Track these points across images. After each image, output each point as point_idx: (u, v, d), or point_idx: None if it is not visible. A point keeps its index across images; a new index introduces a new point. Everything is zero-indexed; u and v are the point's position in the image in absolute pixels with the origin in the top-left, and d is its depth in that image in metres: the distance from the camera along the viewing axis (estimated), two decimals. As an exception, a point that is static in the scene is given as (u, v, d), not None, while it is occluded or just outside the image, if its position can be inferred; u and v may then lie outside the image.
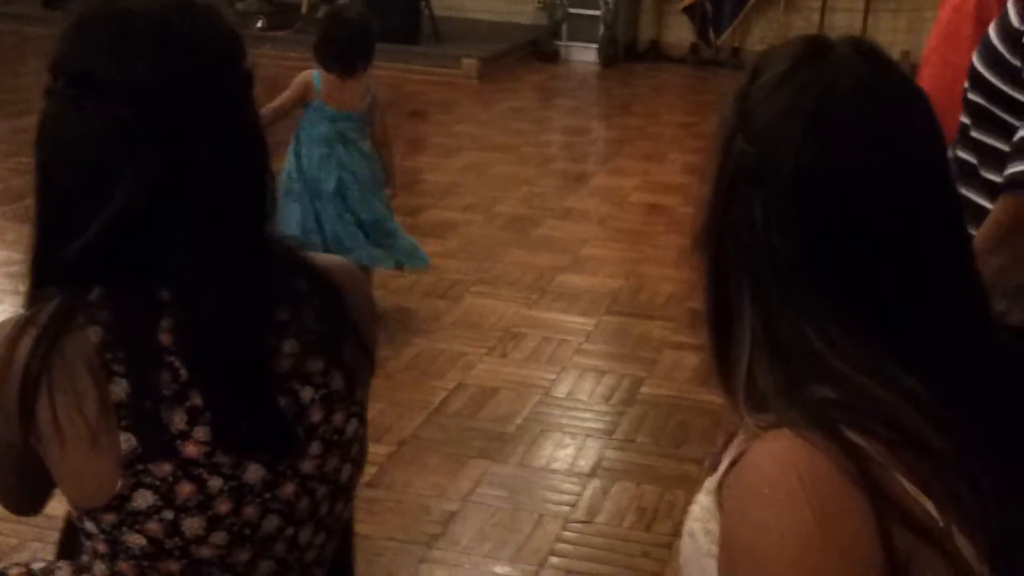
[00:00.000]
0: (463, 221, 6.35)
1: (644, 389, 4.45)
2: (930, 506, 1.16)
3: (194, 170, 1.44)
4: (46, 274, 1.49)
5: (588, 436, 4.10)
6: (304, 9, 10.72)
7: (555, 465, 3.91)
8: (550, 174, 7.44)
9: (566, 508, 3.65)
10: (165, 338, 1.44)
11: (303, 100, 4.80)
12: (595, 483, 3.81)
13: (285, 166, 4.82)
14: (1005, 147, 2.01)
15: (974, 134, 2.09)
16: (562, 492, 3.75)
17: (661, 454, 3.99)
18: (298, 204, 4.78)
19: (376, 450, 3.88)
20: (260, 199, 1.54)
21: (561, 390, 4.44)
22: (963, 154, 2.12)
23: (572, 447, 4.03)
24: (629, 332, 4.99)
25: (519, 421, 4.18)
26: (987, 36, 2.10)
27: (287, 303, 1.53)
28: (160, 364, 1.43)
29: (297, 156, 4.85)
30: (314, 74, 4.78)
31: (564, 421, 4.21)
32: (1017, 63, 2.01)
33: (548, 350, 4.78)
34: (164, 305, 1.44)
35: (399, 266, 5.00)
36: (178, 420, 1.43)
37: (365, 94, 4.83)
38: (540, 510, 3.63)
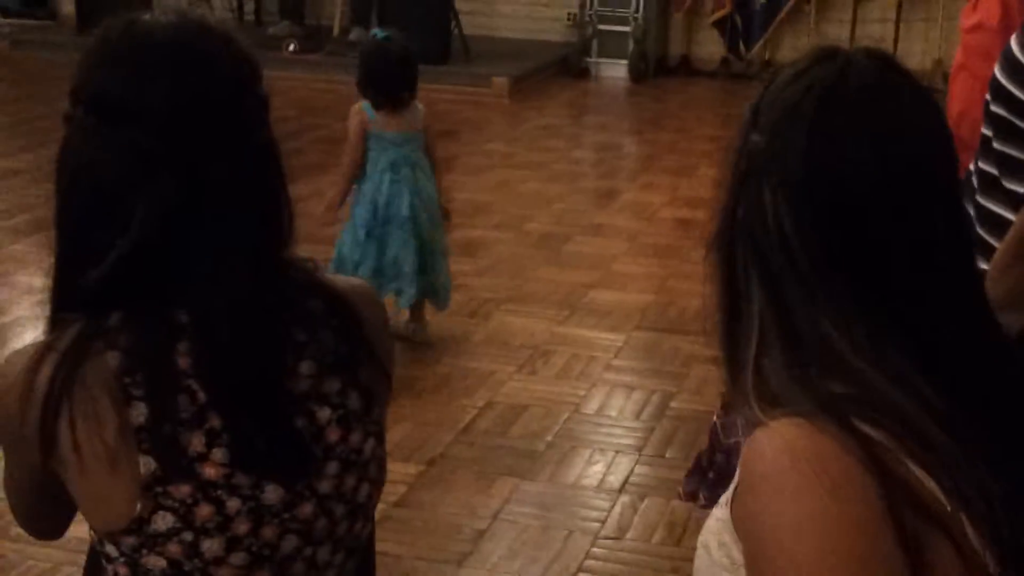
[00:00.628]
0: (493, 239, 6.37)
1: (674, 404, 4.45)
2: (938, 492, 1.17)
3: (210, 194, 1.47)
4: (66, 300, 1.51)
5: (618, 452, 4.11)
6: (335, 32, 10.78)
7: (585, 482, 3.92)
8: (580, 191, 7.46)
9: (596, 524, 3.66)
10: (183, 361, 1.45)
11: (365, 133, 4.76)
12: (624, 499, 3.81)
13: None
14: None
15: (996, 146, 2.09)
16: (592, 508, 3.75)
17: (691, 470, 3.98)
18: (351, 235, 4.78)
19: (405, 470, 3.90)
20: (277, 221, 1.56)
21: (591, 406, 4.45)
22: (985, 166, 2.12)
23: (602, 463, 4.03)
24: (659, 347, 5.00)
25: (549, 438, 4.19)
26: (1009, 48, 2.10)
27: (304, 324, 1.55)
28: (178, 388, 1.45)
29: (360, 186, 4.83)
30: (363, 104, 4.76)
31: (594, 437, 4.22)
32: None
33: (578, 367, 4.79)
34: (182, 328, 1.46)
35: (421, 298, 4.94)
36: (196, 443, 1.45)
37: (419, 114, 4.84)
38: (570, 527, 3.64)
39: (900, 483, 1.16)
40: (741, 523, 1.23)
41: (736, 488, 1.25)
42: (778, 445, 1.19)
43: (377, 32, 4.90)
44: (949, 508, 1.17)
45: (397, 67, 4.70)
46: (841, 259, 1.24)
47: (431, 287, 4.88)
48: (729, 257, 1.32)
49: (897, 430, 1.19)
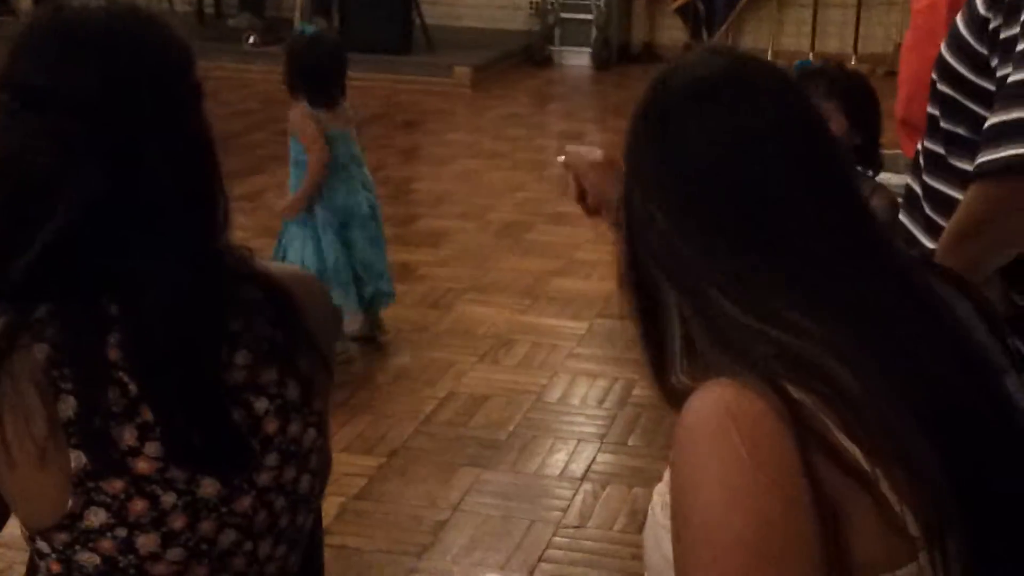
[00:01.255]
0: (456, 229, 6.35)
1: (636, 392, 4.44)
2: (859, 454, 1.19)
3: (139, 183, 1.43)
4: None
5: (580, 440, 4.09)
6: (296, 23, 10.72)
7: (547, 471, 3.90)
8: (543, 179, 7.43)
9: (557, 513, 3.64)
10: (113, 353, 1.42)
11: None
12: (587, 487, 3.80)
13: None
14: (973, 136, 1.99)
15: (944, 125, 2.07)
16: (554, 497, 3.74)
17: (653, 456, 3.97)
18: (299, 241, 4.64)
19: (366, 462, 3.88)
20: (209, 211, 1.53)
21: (553, 395, 4.43)
22: (931, 145, 2.11)
23: (564, 452, 4.02)
24: (621, 335, 4.96)
25: (511, 428, 4.17)
26: (955, 25, 2.09)
27: (239, 313, 1.51)
28: (108, 380, 1.41)
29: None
30: (304, 105, 4.59)
31: (556, 426, 4.20)
32: (983, 51, 1.99)
33: (540, 355, 4.77)
34: (112, 320, 1.43)
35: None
36: (128, 436, 1.42)
37: (349, 111, 4.73)
38: (532, 516, 3.62)
39: (821, 438, 1.19)
40: (670, 476, 1.25)
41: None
42: (707, 401, 1.22)
43: (304, 27, 4.77)
44: (869, 470, 1.19)
45: (332, 62, 4.57)
46: (716, 225, 1.31)
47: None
48: (633, 261, 1.38)
49: (821, 389, 1.21)
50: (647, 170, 1.37)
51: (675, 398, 1.31)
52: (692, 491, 1.21)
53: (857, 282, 1.31)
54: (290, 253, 4.61)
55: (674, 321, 1.32)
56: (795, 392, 1.21)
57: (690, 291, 1.31)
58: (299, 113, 4.59)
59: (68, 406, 1.39)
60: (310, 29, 4.72)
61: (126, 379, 1.42)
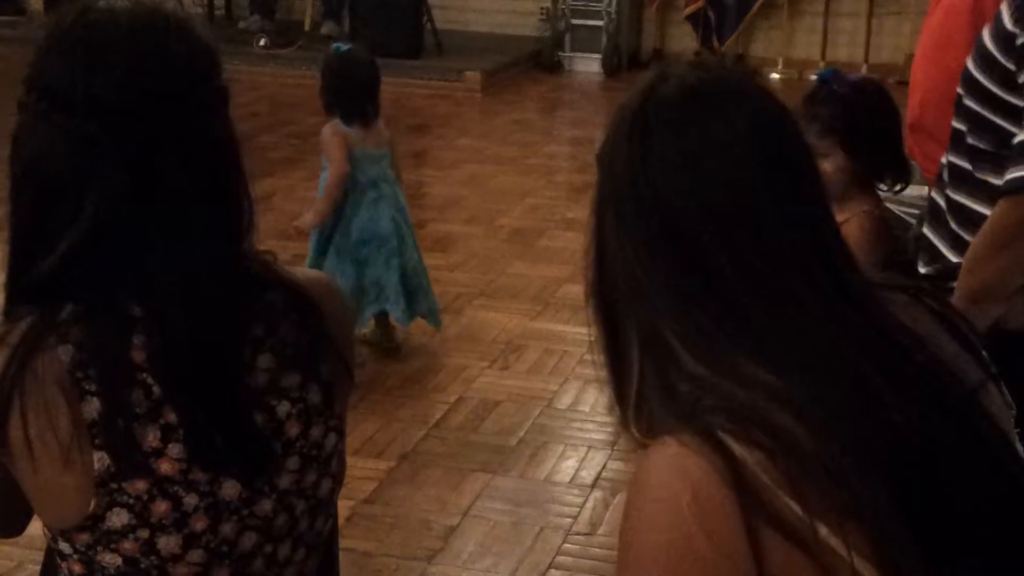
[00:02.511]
0: (465, 234, 6.35)
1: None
2: (796, 507, 1.18)
3: (164, 185, 1.44)
4: (20, 293, 1.48)
5: (591, 447, 4.09)
6: (306, 26, 10.73)
7: (557, 477, 3.90)
8: (553, 185, 7.43)
9: (568, 520, 3.63)
10: (137, 355, 1.42)
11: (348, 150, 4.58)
12: (597, 494, 3.79)
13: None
14: (1000, 150, 1.99)
15: (970, 140, 2.06)
16: (564, 504, 3.73)
17: (664, 464, 3.96)
18: (347, 259, 4.61)
19: (376, 465, 3.88)
20: (234, 214, 1.53)
21: (563, 402, 4.43)
22: (956, 159, 2.10)
23: (574, 459, 4.01)
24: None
25: (521, 434, 4.17)
26: (980, 39, 2.08)
27: (262, 318, 1.52)
28: (132, 382, 1.42)
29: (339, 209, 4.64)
30: (337, 122, 4.57)
31: (566, 433, 4.20)
32: (1011, 66, 1.98)
33: (551, 362, 4.76)
34: (136, 322, 1.43)
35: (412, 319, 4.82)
36: (152, 438, 1.42)
37: (384, 129, 4.71)
38: (542, 523, 3.62)
39: (765, 509, 1.18)
40: (619, 541, 1.26)
41: None
42: (658, 464, 1.22)
43: (339, 46, 4.75)
44: (807, 521, 1.18)
45: (366, 80, 4.57)
46: (674, 264, 1.30)
47: (427, 309, 4.77)
48: (600, 290, 1.38)
49: (767, 444, 1.20)
50: (620, 200, 1.34)
51: (635, 439, 1.32)
52: (636, 550, 1.22)
53: (817, 326, 1.29)
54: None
55: (633, 363, 1.32)
56: (739, 448, 1.20)
57: (648, 332, 1.31)
58: (328, 130, 4.58)
59: (92, 407, 1.40)
60: (343, 47, 4.70)
61: (150, 381, 1.42)
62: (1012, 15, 1.99)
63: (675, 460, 1.21)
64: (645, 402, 1.31)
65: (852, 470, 1.21)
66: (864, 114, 2.93)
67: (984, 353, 1.47)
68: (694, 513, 1.18)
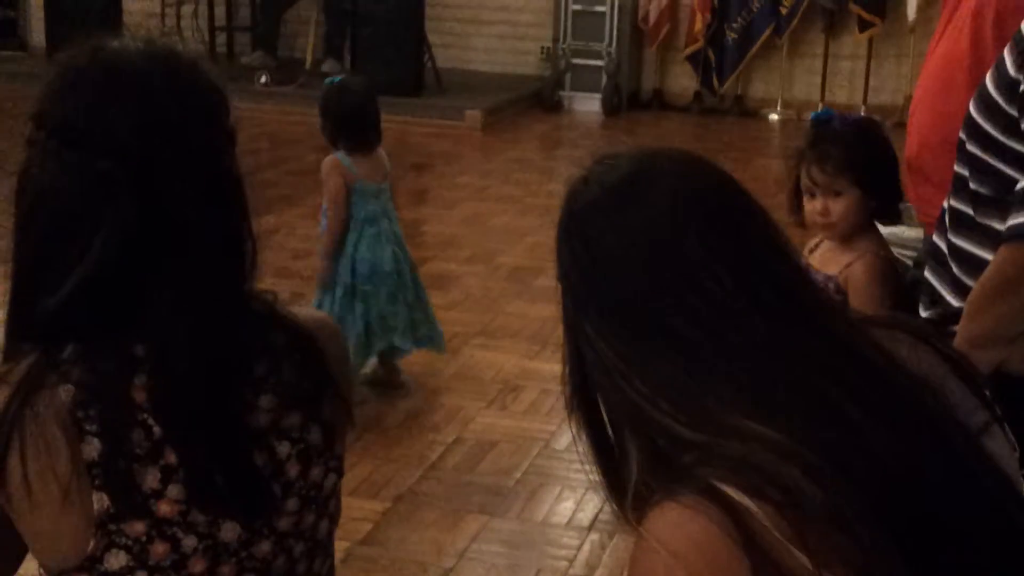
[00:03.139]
0: (464, 273, 6.35)
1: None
2: (806, 560, 1.19)
3: (171, 225, 1.44)
4: (22, 330, 1.47)
5: (588, 489, 4.07)
6: (307, 64, 10.77)
7: (554, 519, 3.88)
8: (552, 224, 7.35)
9: (564, 563, 3.62)
10: (139, 395, 1.42)
11: (348, 187, 4.58)
12: (594, 537, 3.78)
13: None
14: (1002, 196, 1.99)
15: (972, 185, 2.07)
16: (561, 547, 3.72)
17: (661, 506, 3.95)
18: (328, 296, 4.61)
19: (372, 506, 3.86)
20: (238, 255, 1.53)
21: (561, 442, 4.41)
22: (958, 204, 2.10)
23: (571, 500, 4.00)
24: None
25: (518, 475, 4.15)
26: (983, 86, 2.09)
27: (264, 358, 1.51)
28: (133, 422, 1.41)
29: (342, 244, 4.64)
30: (340, 155, 4.57)
31: (564, 474, 4.18)
32: (1014, 113, 1.99)
33: (548, 402, 4.75)
34: (138, 361, 1.43)
35: (418, 347, 4.83)
36: (151, 479, 1.41)
37: (386, 162, 4.71)
38: (538, 565, 3.60)
39: (770, 559, 1.20)
40: None
41: None
42: (662, 527, 1.23)
43: (332, 79, 4.77)
44: (812, 571, 1.19)
45: (362, 107, 4.58)
46: (649, 353, 1.33)
47: (426, 335, 4.77)
48: (577, 377, 1.43)
49: (775, 497, 1.21)
50: (584, 306, 1.41)
51: (631, 515, 1.32)
52: None
53: (803, 374, 1.31)
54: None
55: (630, 453, 1.34)
56: (747, 501, 1.21)
57: (636, 417, 1.34)
58: (328, 164, 4.57)
59: (92, 448, 1.39)
60: (337, 78, 4.72)
61: (151, 421, 1.42)
62: (1015, 61, 1.99)
63: (680, 522, 1.22)
64: (644, 487, 1.32)
65: (858, 521, 1.21)
66: (874, 150, 2.97)
67: (989, 395, 1.48)
68: (698, 572, 1.19)
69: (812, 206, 2.98)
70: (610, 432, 1.40)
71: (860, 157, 2.93)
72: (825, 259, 3.03)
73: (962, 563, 1.27)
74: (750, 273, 1.36)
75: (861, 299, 2.87)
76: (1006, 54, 2.04)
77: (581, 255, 1.42)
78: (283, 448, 1.50)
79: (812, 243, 3.11)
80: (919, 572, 1.23)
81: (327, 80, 4.76)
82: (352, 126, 4.55)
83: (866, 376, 1.34)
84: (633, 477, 1.34)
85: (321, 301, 4.60)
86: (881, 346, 1.40)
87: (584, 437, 1.44)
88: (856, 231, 2.97)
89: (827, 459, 1.24)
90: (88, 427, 1.39)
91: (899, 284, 2.91)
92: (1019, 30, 2.01)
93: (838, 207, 2.95)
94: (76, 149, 1.43)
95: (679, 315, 1.33)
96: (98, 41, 1.49)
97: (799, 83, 10.98)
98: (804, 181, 2.99)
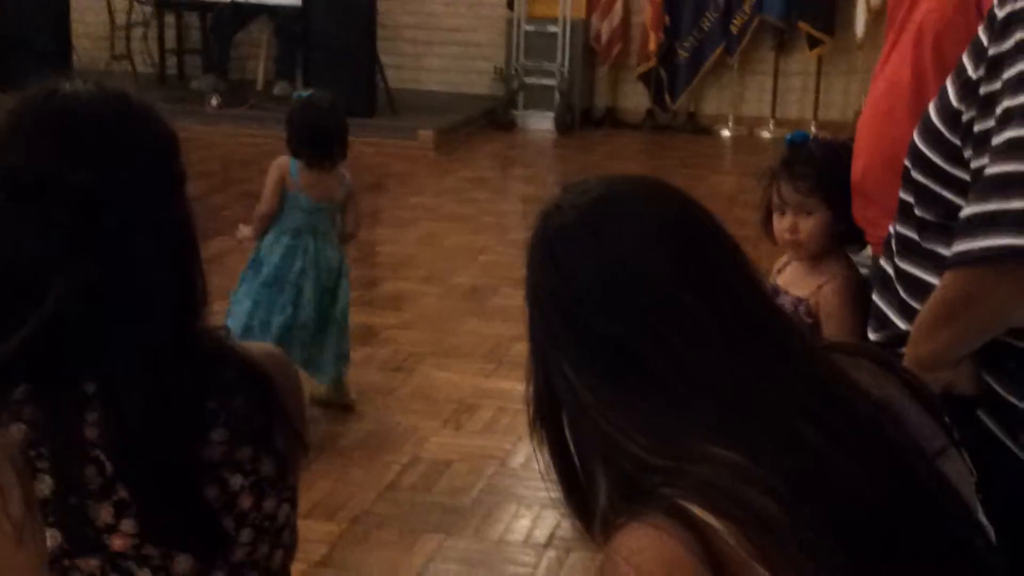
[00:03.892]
0: (419, 292, 6.36)
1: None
2: (765, 575, 1.23)
3: (127, 269, 1.46)
4: None
5: (544, 506, 4.09)
6: (259, 86, 10.77)
7: (511, 537, 3.90)
8: (507, 243, 7.46)
9: (521, 581, 3.64)
10: (90, 432, 1.43)
11: (282, 188, 4.64)
12: (551, 554, 3.80)
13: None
14: (946, 222, 2.03)
15: (918, 212, 2.10)
16: (518, 564, 3.74)
17: (616, 524, 3.97)
18: (249, 298, 4.64)
19: (328, 528, 3.87)
20: (189, 292, 1.55)
21: (516, 461, 4.44)
22: (904, 230, 2.14)
23: (528, 518, 4.02)
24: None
25: (474, 494, 4.17)
26: (927, 115, 2.12)
27: (216, 392, 1.53)
28: (85, 459, 1.43)
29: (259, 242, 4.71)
30: (291, 161, 4.62)
31: (520, 492, 4.21)
32: (957, 142, 2.02)
33: (504, 420, 4.78)
34: (89, 399, 1.44)
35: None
36: (105, 514, 1.43)
37: (342, 183, 4.73)
38: (496, 584, 3.62)
39: (727, 571, 1.23)
40: None
41: None
42: (628, 541, 1.26)
43: (300, 93, 4.81)
44: None
45: (323, 123, 4.62)
46: (617, 380, 1.36)
47: (311, 359, 4.70)
48: (553, 425, 1.45)
49: (737, 515, 1.24)
50: (548, 315, 1.44)
51: (598, 536, 1.35)
52: None
53: (768, 402, 1.34)
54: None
55: (597, 476, 1.37)
56: (710, 519, 1.24)
57: (604, 444, 1.36)
58: (274, 162, 4.67)
59: (45, 485, 1.41)
60: (306, 93, 4.77)
61: (102, 458, 1.43)
62: (957, 93, 2.03)
63: (645, 542, 1.25)
64: (610, 509, 1.34)
65: (817, 540, 1.25)
66: (847, 175, 3.00)
67: (947, 420, 1.52)
68: None
69: (781, 224, 3.01)
70: (575, 457, 1.42)
71: (833, 179, 2.96)
72: (794, 279, 3.04)
73: None
74: (718, 300, 1.39)
75: (834, 323, 2.90)
76: (948, 84, 2.08)
77: (552, 278, 1.43)
78: (236, 480, 1.52)
79: (780, 263, 3.14)
80: None
81: (294, 94, 4.81)
82: (308, 140, 4.58)
83: (828, 403, 1.37)
84: (601, 501, 1.36)
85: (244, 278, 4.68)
86: (843, 373, 1.44)
87: (549, 458, 1.47)
88: (825, 252, 3.00)
89: (789, 483, 1.27)
90: (40, 465, 1.41)
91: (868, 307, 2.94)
92: (960, 60, 2.05)
93: (807, 225, 2.98)
94: (28, 200, 1.44)
95: (648, 344, 1.36)
96: (50, 84, 1.50)
97: (750, 100, 11.08)
98: (775, 199, 3.03)
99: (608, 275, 1.40)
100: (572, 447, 1.42)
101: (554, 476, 1.46)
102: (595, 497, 1.38)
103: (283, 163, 4.64)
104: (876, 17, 9.69)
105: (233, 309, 4.60)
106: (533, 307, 1.47)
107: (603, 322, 1.38)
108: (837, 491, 1.30)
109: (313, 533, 3.77)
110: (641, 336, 1.36)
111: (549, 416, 1.45)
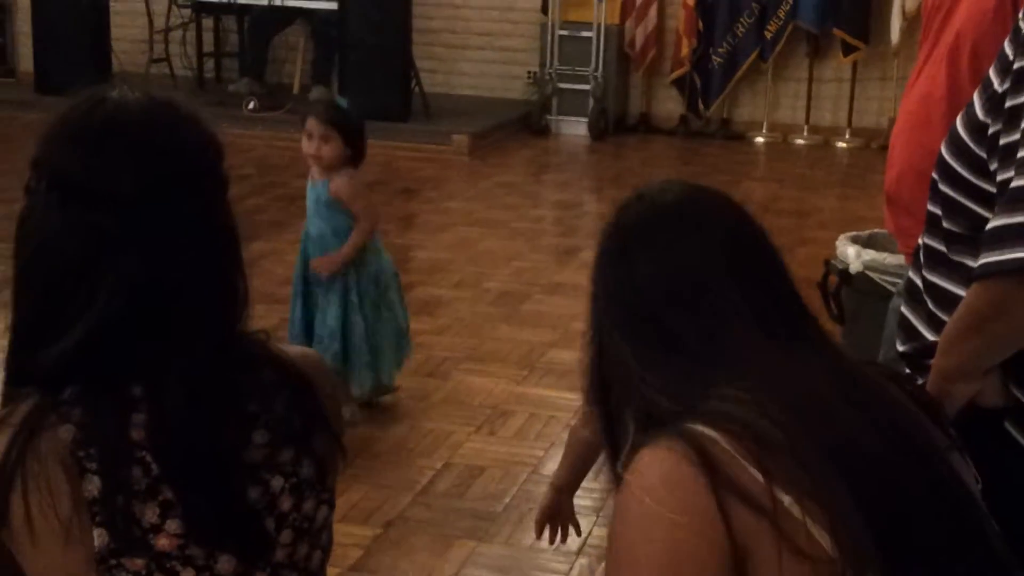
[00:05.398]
0: (452, 298, 6.39)
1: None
2: (758, 475, 1.38)
3: (170, 272, 1.49)
4: (22, 376, 1.52)
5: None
6: (295, 90, 10.83)
7: (542, 544, 3.89)
8: (540, 249, 7.49)
9: (553, 587, 3.66)
10: (137, 433, 1.46)
11: None
12: (582, 561, 3.81)
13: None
14: (974, 234, 2.04)
15: (945, 224, 2.11)
16: (549, 571, 3.75)
17: (648, 530, 3.98)
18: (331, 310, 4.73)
19: (362, 532, 3.89)
20: (232, 295, 1.58)
21: (549, 467, 4.44)
22: (931, 242, 2.15)
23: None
24: (617, 407, 5.00)
25: (507, 500, 4.19)
26: (955, 128, 2.13)
27: (257, 395, 1.56)
28: (132, 460, 1.46)
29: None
30: (352, 170, 4.70)
31: (552, 498, 4.21)
32: (983, 154, 2.04)
33: (536, 427, 4.80)
34: (136, 401, 1.48)
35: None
36: (150, 514, 1.46)
37: None
38: (527, 590, 3.64)
39: (731, 484, 1.38)
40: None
41: None
42: (636, 465, 1.44)
43: (342, 99, 4.85)
44: (767, 486, 1.38)
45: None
46: (655, 350, 1.55)
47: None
48: (596, 364, 1.64)
49: (734, 428, 1.41)
50: (608, 290, 1.63)
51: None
52: (619, 539, 1.45)
53: (789, 371, 1.51)
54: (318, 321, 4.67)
55: (628, 424, 1.55)
56: (707, 430, 1.40)
57: (638, 398, 1.54)
58: (351, 180, 4.64)
59: (93, 485, 1.44)
60: (343, 101, 4.81)
61: (149, 459, 1.46)
62: (984, 105, 2.04)
63: (649, 461, 1.43)
64: (632, 447, 1.51)
65: (816, 462, 1.40)
66: None
67: (951, 427, 1.59)
68: (661, 499, 1.39)
69: None
70: (613, 409, 1.61)
71: None
72: None
73: (921, 541, 1.43)
74: (765, 308, 1.56)
75: None
76: (976, 97, 2.09)
77: (620, 262, 1.62)
78: (277, 482, 1.55)
79: None
80: (873, 526, 1.38)
81: (337, 99, 4.84)
82: (363, 146, 4.66)
83: (853, 389, 1.53)
84: (628, 440, 1.54)
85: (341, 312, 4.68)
86: (869, 373, 1.60)
87: (597, 415, 1.65)
88: None
89: (800, 419, 1.44)
90: (88, 465, 1.44)
91: None
92: (987, 74, 2.06)
93: None
94: (77, 203, 1.47)
95: (693, 332, 1.54)
96: (98, 91, 1.54)
97: (784, 106, 11.06)
98: None
99: (671, 269, 1.58)
100: (611, 399, 1.60)
101: (601, 429, 1.64)
102: (626, 440, 1.56)
103: (355, 176, 4.68)
104: (911, 24, 9.65)
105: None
106: (598, 280, 1.64)
107: (657, 308, 1.56)
108: (842, 436, 1.44)
109: (347, 537, 3.80)
110: (689, 325, 1.54)
111: (599, 377, 1.62)
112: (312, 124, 4.55)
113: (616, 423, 1.60)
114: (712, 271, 1.57)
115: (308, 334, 4.67)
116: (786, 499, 1.37)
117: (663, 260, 1.59)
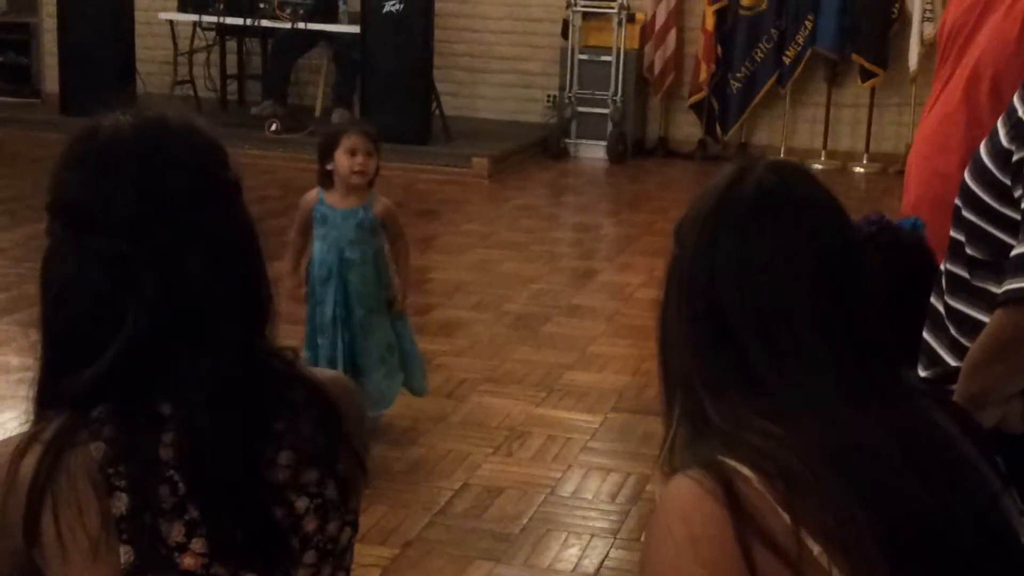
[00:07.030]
0: (471, 320, 6.42)
1: (650, 487, 4.47)
2: (786, 518, 1.35)
3: (188, 286, 1.52)
4: (52, 400, 1.54)
5: (593, 535, 4.13)
6: (317, 112, 10.89)
7: (560, 566, 3.93)
8: (558, 271, 7.52)
9: (570, 609, 3.67)
10: (165, 452, 1.49)
11: None
12: (599, 583, 3.83)
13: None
14: (997, 260, 2.05)
15: (968, 250, 2.13)
16: (567, 593, 3.77)
17: (665, 553, 3.99)
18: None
19: (380, 553, 3.91)
20: (256, 308, 1.61)
21: (567, 489, 4.47)
22: (954, 268, 2.16)
23: (577, 547, 4.05)
24: (635, 429, 5.03)
25: (524, 521, 4.21)
26: (978, 154, 2.14)
27: (283, 414, 1.58)
28: (160, 478, 1.48)
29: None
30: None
31: (569, 520, 4.24)
32: (1007, 181, 2.05)
33: (554, 449, 4.81)
34: (165, 420, 1.50)
35: None
36: (176, 532, 1.48)
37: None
38: (544, 611, 3.65)
39: (757, 529, 1.34)
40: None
41: None
42: (665, 494, 1.42)
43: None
44: (793, 528, 1.34)
45: None
46: (713, 346, 1.49)
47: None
48: (663, 354, 1.57)
49: (766, 468, 1.37)
50: (683, 279, 1.53)
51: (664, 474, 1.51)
52: (649, 563, 1.41)
53: (834, 404, 1.44)
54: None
55: (675, 412, 1.52)
56: (740, 467, 1.38)
57: (687, 388, 1.50)
58: (388, 202, 4.82)
59: (121, 503, 1.46)
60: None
61: (176, 478, 1.49)
62: (1008, 133, 2.06)
63: (678, 492, 1.40)
64: (678, 448, 1.50)
65: (846, 506, 1.35)
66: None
67: (999, 461, 1.57)
68: (687, 537, 1.36)
69: None
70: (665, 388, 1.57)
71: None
72: None
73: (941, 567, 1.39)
74: (833, 325, 1.48)
75: None
76: (999, 125, 2.11)
77: (705, 243, 1.51)
78: (301, 503, 1.57)
79: None
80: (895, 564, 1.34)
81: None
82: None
83: (907, 429, 1.47)
84: (672, 430, 1.51)
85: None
86: (925, 411, 1.53)
87: (661, 387, 1.58)
88: None
89: (824, 456, 1.38)
90: (117, 482, 1.46)
91: None
92: (1011, 102, 2.08)
93: None
94: (89, 235, 1.51)
95: (754, 334, 1.46)
96: (92, 123, 1.57)
97: (802, 131, 11.08)
98: None
99: (752, 257, 1.48)
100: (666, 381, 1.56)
101: (664, 410, 1.57)
102: (671, 423, 1.52)
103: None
104: (929, 50, 9.68)
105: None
106: (678, 248, 1.56)
107: (726, 298, 1.48)
108: (880, 484, 1.39)
109: (367, 557, 3.82)
110: (751, 327, 1.47)
111: (665, 361, 1.57)
112: (357, 141, 4.63)
113: (670, 405, 1.55)
114: (794, 270, 1.48)
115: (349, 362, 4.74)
116: (815, 548, 1.34)
117: (752, 241, 1.49)
